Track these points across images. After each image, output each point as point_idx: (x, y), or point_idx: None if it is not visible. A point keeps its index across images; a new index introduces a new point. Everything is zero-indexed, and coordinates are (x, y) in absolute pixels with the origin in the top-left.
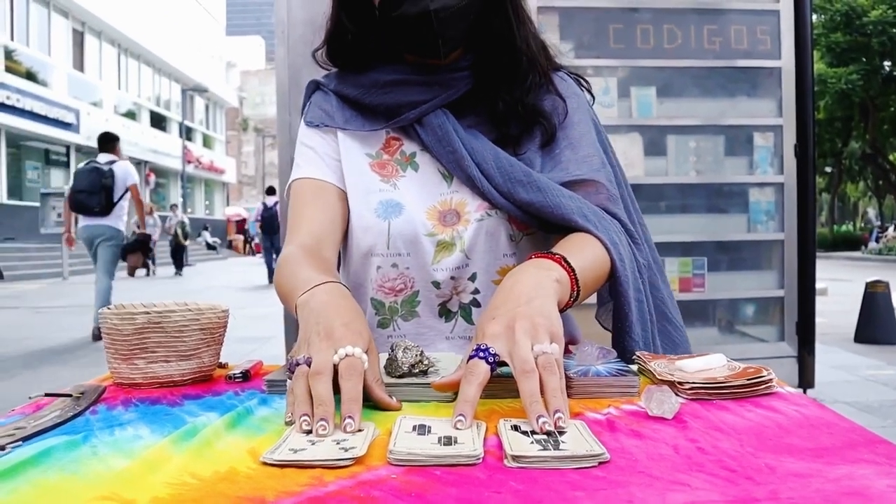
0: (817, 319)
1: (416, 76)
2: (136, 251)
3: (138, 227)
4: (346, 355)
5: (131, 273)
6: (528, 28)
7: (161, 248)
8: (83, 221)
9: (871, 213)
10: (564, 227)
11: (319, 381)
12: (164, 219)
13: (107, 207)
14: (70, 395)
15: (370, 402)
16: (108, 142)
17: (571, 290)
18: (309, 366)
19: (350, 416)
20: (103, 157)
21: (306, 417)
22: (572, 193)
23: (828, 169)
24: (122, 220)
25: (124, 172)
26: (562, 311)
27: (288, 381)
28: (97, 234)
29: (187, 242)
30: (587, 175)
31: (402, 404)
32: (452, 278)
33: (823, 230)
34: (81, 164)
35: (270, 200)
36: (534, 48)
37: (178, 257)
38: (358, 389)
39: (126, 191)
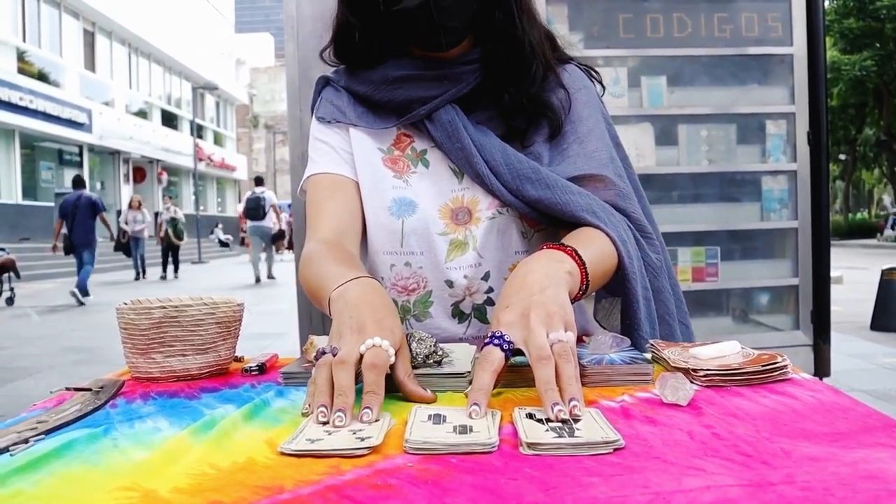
0: (832, 308)
1: (425, 71)
2: (277, 240)
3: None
4: (373, 346)
5: (278, 251)
6: (532, 19)
7: (153, 249)
8: (251, 223)
9: (887, 200)
10: (573, 224)
11: (342, 369)
12: (157, 215)
13: (263, 216)
14: (90, 390)
15: (397, 394)
16: (261, 180)
17: (581, 283)
18: (335, 356)
19: (368, 408)
20: (258, 189)
21: (324, 409)
22: (581, 189)
23: (842, 156)
24: (271, 221)
25: (269, 197)
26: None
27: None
28: (262, 230)
29: (182, 242)
30: (595, 170)
31: (436, 396)
32: (465, 277)
33: (838, 218)
34: (249, 194)
35: None
36: (537, 39)
37: (169, 258)
38: (380, 382)
39: (270, 207)
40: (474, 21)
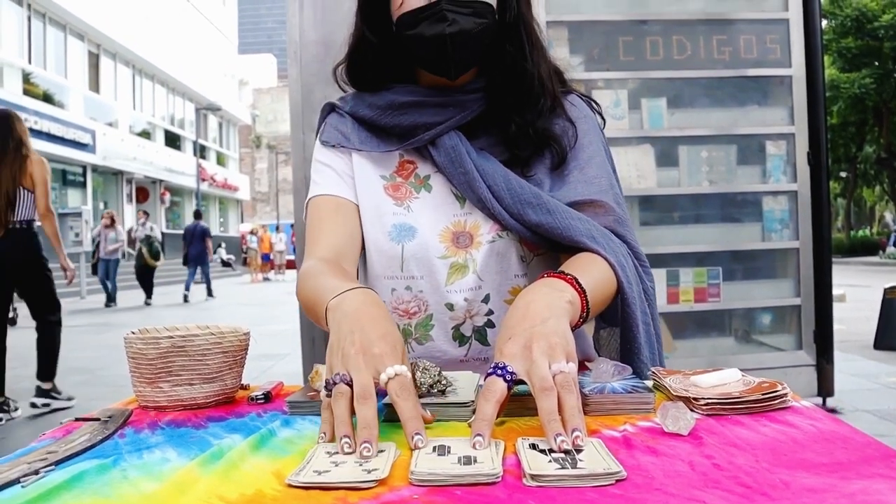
0: (835, 326)
1: (431, 98)
2: None
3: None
4: (396, 374)
5: None
6: (542, 54)
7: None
8: None
9: (888, 217)
10: (574, 248)
11: (366, 405)
12: (129, 232)
13: None
14: (98, 419)
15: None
16: None
17: (581, 312)
18: (348, 385)
19: (418, 433)
20: None
21: (348, 440)
22: (581, 215)
23: (843, 174)
24: None
25: None
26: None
27: (323, 394)
28: None
29: (160, 263)
30: (594, 196)
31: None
32: (466, 300)
33: (840, 236)
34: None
35: None
36: (546, 74)
37: (146, 281)
38: (417, 407)
39: None
40: (485, 53)
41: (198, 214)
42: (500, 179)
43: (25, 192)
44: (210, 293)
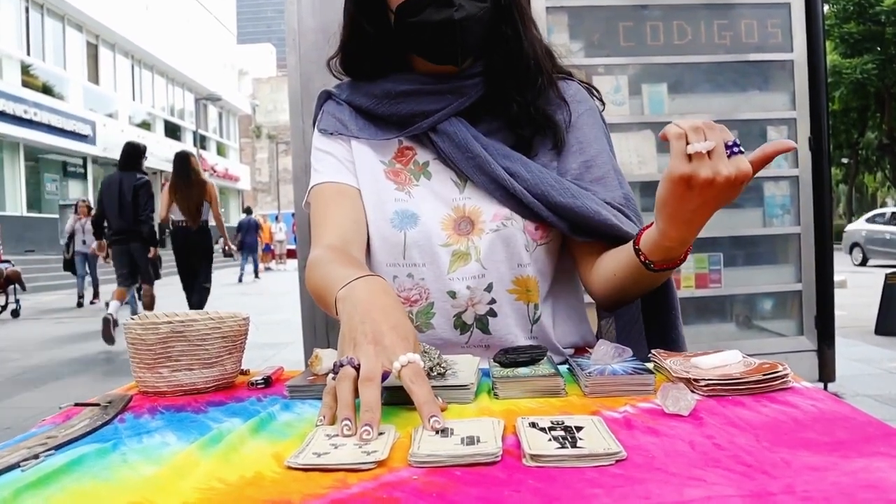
0: (837, 312)
1: (428, 85)
2: None
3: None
4: (409, 362)
5: None
6: (534, 32)
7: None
8: None
9: (890, 203)
10: (591, 230)
11: (370, 387)
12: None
13: None
14: (98, 405)
15: (401, 406)
16: None
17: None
18: (355, 369)
19: (434, 416)
20: None
21: (348, 422)
22: (598, 200)
23: (844, 160)
24: None
25: None
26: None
27: (329, 377)
28: None
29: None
30: (599, 174)
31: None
32: (468, 288)
33: (841, 222)
34: None
35: None
36: (541, 52)
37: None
38: (431, 392)
39: None
40: (484, 37)
41: (248, 210)
42: (516, 160)
43: (206, 203)
44: (257, 275)
